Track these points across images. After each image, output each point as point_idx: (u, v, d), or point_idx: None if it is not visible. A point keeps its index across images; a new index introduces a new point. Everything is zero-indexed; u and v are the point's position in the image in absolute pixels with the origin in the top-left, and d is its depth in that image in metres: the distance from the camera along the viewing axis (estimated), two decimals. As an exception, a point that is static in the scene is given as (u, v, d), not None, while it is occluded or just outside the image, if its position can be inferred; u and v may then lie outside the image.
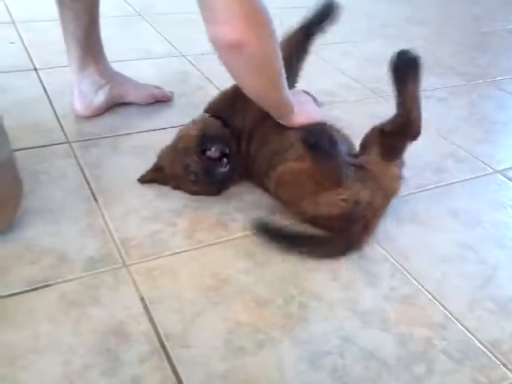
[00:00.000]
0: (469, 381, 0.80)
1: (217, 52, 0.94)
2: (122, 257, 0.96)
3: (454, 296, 0.94)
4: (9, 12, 1.98)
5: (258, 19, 0.90)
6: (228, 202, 1.11)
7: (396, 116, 1.05)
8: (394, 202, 1.14)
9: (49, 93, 1.46)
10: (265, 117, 1.09)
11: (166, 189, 1.13)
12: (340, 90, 1.64)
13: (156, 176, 1.13)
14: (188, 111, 1.40)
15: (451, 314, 0.90)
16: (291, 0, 2.32)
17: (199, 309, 0.87)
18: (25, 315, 0.84)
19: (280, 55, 0.98)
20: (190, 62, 1.72)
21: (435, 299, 0.93)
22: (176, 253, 0.98)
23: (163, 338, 0.82)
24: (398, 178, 1.05)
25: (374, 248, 1.03)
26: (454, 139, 1.42)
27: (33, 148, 1.23)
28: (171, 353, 0.80)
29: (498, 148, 1.43)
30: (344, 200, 0.97)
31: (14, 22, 1.90)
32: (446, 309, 0.91)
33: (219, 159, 1.06)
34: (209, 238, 1.01)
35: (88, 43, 1.31)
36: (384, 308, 0.90)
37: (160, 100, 1.47)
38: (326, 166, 0.98)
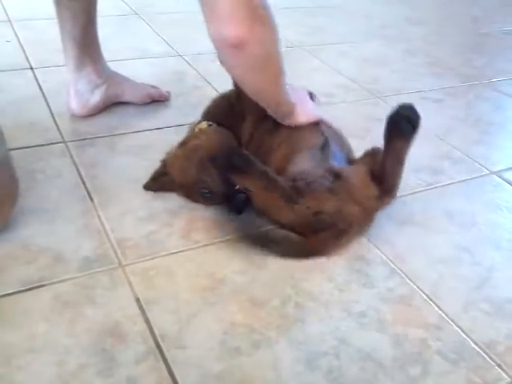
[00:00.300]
0: (464, 382, 0.80)
1: (218, 51, 0.93)
2: (117, 257, 0.96)
3: (449, 297, 0.94)
4: (5, 10, 1.98)
5: (260, 17, 0.90)
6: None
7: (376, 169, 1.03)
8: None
9: (45, 92, 1.46)
10: (263, 119, 1.09)
11: (162, 189, 1.13)
12: (337, 90, 1.64)
13: (161, 183, 1.11)
14: (185, 111, 1.40)
15: (447, 315, 0.91)
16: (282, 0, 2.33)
17: (195, 309, 0.87)
18: (20, 315, 0.84)
19: (281, 53, 0.98)
20: (187, 61, 1.72)
21: (431, 300, 0.93)
22: (172, 253, 0.98)
23: (159, 339, 0.82)
24: (375, 198, 1.02)
25: (370, 249, 1.03)
26: (450, 140, 1.42)
27: (29, 147, 1.23)
28: (167, 353, 0.80)
29: (493, 149, 1.43)
30: (308, 208, 0.97)
31: (10, 21, 1.90)
32: (441, 310, 0.92)
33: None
34: (205, 239, 1.01)
35: (85, 42, 1.30)
36: (380, 309, 0.91)
37: (157, 100, 1.46)
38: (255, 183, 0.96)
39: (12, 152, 1.06)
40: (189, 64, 1.70)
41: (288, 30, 2.02)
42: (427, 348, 0.85)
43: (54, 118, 1.35)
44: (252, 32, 0.88)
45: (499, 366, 0.83)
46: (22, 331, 0.81)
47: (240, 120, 1.15)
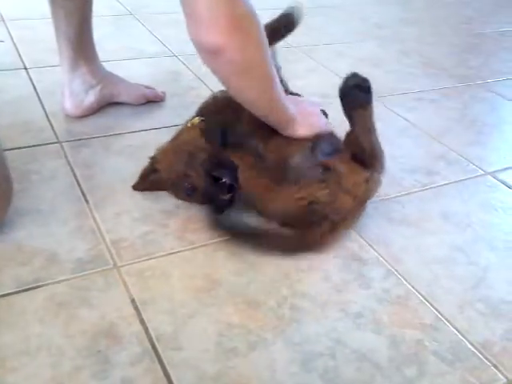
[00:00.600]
0: (460, 382, 0.80)
1: (198, 53, 0.93)
2: (112, 258, 0.95)
3: (445, 297, 0.94)
4: (-1, 10, 1.97)
5: (242, 25, 0.88)
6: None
7: (349, 146, 1.04)
8: (385, 204, 1.15)
9: (39, 92, 1.45)
10: (259, 122, 1.08)
11: (157, 189, 1.12)
12: (333, 91, 1.63)
13: (150, 182, 1.10)
14: (180, 111, 1.40)
15: (442, 316, 0.91)
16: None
17: (191, 310, 0.87)
18: (15, 316, 0.83)
19: (269, 61, 0.96)
20: (182, 62, 1.71)
21: (427, 301, 0.93)
22: (167, 254, 0.97)
23: (154, 340, 0.81)
24: (366, 181, 1.02)
25: (366, 249, 1.03)
26: (445, 141, 1.42)
27: (23, 148, 1.22)
28: (162, 355, 0.79)
29: (488, 150, 1.43)
30: (300, 199, 0.97)
31: (3, 20, 1.89)
32: (437, 310, 0.92)
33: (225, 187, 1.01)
34: (201, 239, 1.01)
35: (80, 43, 1.30)
36: (376, 309, 0.91)
37: (152, 100, 1.46)
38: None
39: (6, 152, 1.05)
40: (184, 64, 1.70)
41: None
42: (423, 349, 0.85)
43: (48, 118, 1.35)
44: (230, 40, 0.87)
45: (495, 366, 0.83)
46: (16, 332, 0.81)
47: (236, 118, 1.14)
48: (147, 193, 1.11)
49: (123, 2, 2.21)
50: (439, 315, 0.91)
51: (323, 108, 1.20)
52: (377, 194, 1.09)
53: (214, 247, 1.00)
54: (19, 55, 1.65)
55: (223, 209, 1.02)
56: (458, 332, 0.88)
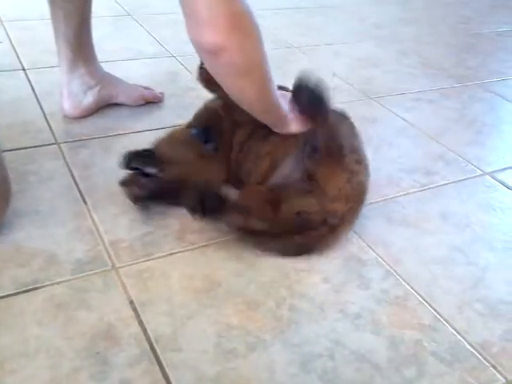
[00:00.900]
0: (459, 383, 0.80)
1: (197, 53, 0.93)
2: (111, 259, 0.95)
3: (443, 298, 0.94)
4: (-3, 11, 1.97)
5: (241, 24, 0.87)
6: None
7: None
8: (383, 204, 1.16)
9: (37, 93, 1.45)
10: (255, 128, 1.08)
11: (156, 190, 1.12)
12: (331, 91, 1.64)
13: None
14: (178, 112, 1.40)
15: (441, 316, 0.91)
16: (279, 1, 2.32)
17: (190, 311, 0.87)
18: (13, 318, 0.83)
19: (267, 61, 0.96)
20: (181, 62, 1.71)
21: (425, 301, 0.93)
22: (166, 255, 0.97)
23: (153, 341, 0.81)
24: (348, 181, 1.00)
25: (365, 250, 1.03)
26: (444, 141, 1.43)
27: (21, 149, 1.22)
28: (161, 356, 0.79)
29: (487, 150, 1.43)
30: (287, 209, 0.97)
31: (1, 21, 1.89)
32: (436, 311, 0.92)
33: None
34: (200, 240, 1.01)
35: (79, 44, 1.30)
36: (375, 310, 0.91)
37: (150, 101, 1.46)
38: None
39: (4, 153, 1.05)
40: (182, 65, 1.70)
41: (285, 31, 2.02)
42: (422, 349, 0.85)
43: (46, 119, 1.34)
44: (230, 40, 0.86)
45: (494, 366, 0.83)
46: (14, 334, 0.81)
47: (230, 127, 1.13)
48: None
49: (122, 2, 2.21)
50: (438, 316, 0.91)
51: None
52: (369, 191, 1.07)
53: (213, 248, 1.00)
54: (17, 56, 1.65)
55: (143, 198, 1.06)
56: (457, 332, 0.88)
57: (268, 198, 0.99)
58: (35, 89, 1.47)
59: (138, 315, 0.85)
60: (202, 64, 1.12)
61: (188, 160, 1.10)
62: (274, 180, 1.03)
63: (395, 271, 0.99)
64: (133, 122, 1.37)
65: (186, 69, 1.67)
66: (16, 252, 0.95)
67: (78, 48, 1.30)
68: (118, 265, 0.94)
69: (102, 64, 1.40)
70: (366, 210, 1.11)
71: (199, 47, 0.90)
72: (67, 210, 1.05)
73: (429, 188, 1.24)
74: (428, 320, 0.90)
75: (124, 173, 1.12)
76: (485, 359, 0.84)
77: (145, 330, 0.83)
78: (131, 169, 1.05)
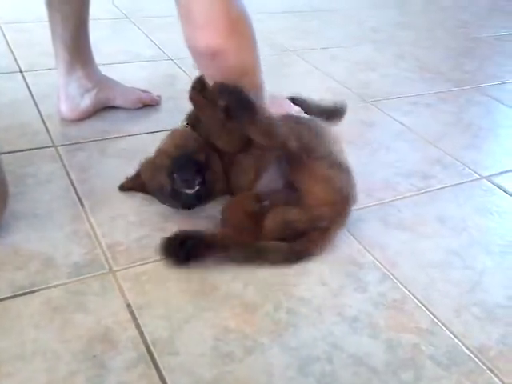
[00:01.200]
0: (456, 387, 0.81)
1: (192, 57, 0.92)
2: (108, 262, 0.95)
3: (441, 301, 0.94)
4: (-6, 13, 1.97)
5: (238, 27, 0.87)
6: (216, 206, 1.10)
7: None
8: (381, 208, 1.16)
9: (34, 95, 1.45)
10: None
11: (153, 193, 1.12)
12: (327, 94, 1.65)
13: (135, 185, 1.11)
14: (175, 115, 1.39)
15: (438, 320, 0.91)
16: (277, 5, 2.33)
17: (187, 315, 0.87)
18: (10, 321, 0.83)
19: (260, 67, 0.95)
20: (178, 65, 1.71)
21: (423, 305, 0.93)
22: (163, 258, 0.97)
23: (150, 345, 0.81)
24: (327, 181, 1.00)
25: (362, 253, 1.03)
26: (441, 145, 1.43)
27: (19, 151, 1.22)
28: (158, 360, 0.79)
29: (484, 154, 1.44)
30: (273, 218, 0.98)
31: (-1, 23, 1.89)
32: (433, 314, 0.92)
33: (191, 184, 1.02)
34: (197, 243, 1.01)
35: (76, 46, 1.30)
36: (372, 313, 0.91)
37: (147, 104, 1.46)
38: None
39: (2, 156, 1.05)
40: (180, 68, 1.70)
41: (281, 34, 2.02)
42: (419, 353, 0.85)
43: (44, 121, 1.34)
44: (227, 43, 0.86)
45: (491, 370, 0.83)
46: (11, 337, 0.80)
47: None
48: (143, 197, 1.11)
49: (119, 5, 2.21)
50: (435, 319, 0.91)
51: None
52: (363, 192, 1.06)
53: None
54: (15, 58, 1.65)
55: (190, 205, 1.05)
56: (454, 336, 0.88)
57: (251, 212, 0.99)
58: (32, 91, 1.47)
59: (135, 318, 0.85)
60: (194, 85, 1.11)
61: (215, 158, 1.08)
62: (258, 191, 1.03)
63: (392, 275, 0.99)
64: (130, 125, 1.37)
65: (184, 72, 1.67)
66: (13, 255, 0.94)
67: (75, 50, 1.30)
68: (115, 268, 0.94)
69: (99, 67, 1.40)
70: (362, 214, 1.11)
71: (195, 50, 0.89)
72: (65, 213, 1.05)
73: (426, 192, 1.24)
74: (425, 324, 0.90)
75: (122, 177, 1.12)
76: (482, 363, 0.84)
77: (142, 334, 0.83)
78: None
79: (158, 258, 0.97)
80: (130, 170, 1.13)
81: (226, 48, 0.86)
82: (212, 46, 0.86)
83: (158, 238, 1.01)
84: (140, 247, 0.99)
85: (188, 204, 1.04)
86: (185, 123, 1.16)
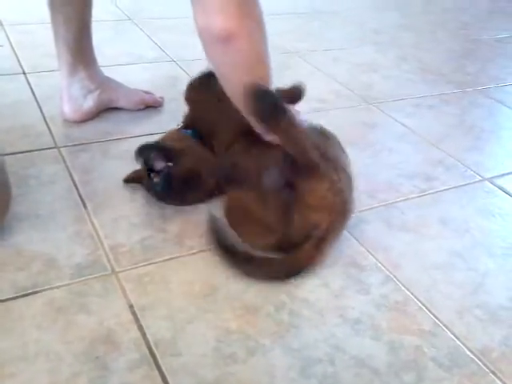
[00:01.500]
0: (458, 389, 0.81)
1: (205, 46, 0.91)
2: (110, 263, 0.95)
3: (443, 303, 0.94)
4: (-3, 15, 1.97)
5: (250, 12, 0.87)
6: (217, 209, 1.10)
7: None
8: (383, 209, 1.16)
9: (37, 97, 1.45)
10: (242, 132, 1.07)
11: (156, 195, 1.12)
12: (330, 96, 1.65)
13: (137, 178, 1.13)
14: (178, 116, 1.39)
15: (441, 322, 0.91)
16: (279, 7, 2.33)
17: (189, 316, 0.87)
18: (13, 322, 0.83)
19: (269, 54, 0.95)
20: (181, 67, 1.71)
21: (425, 307, 0.93)
22: (166, 259, 0.97)
23: (153, 346, 0.81)
24: (329, 190, 0.96)
25: (365, 255, 1.03)
26: (444, 147, 1.43)
27: (22, 152, 1.22)
28: (161, 361, 0.79)
29: (486, 156, 1.44)
30: (272, 227, 0.96)
31: (2, 25, 1.89)
32: (435, 316, 0.92)
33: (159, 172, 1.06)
34: (199, 245, 1.01)
35: (79, 48, 1.30)
36: (375, 315, 0.90)
37: (150, 105, 1.46)
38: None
39: (5, 157, 1.05)
40: (182, 69, 1.70)
41: (284, 36, 2.03)
42: (422, 355, 0.85)
43: (46, 123, 1.34)
44: (241, 26, 0.86)
45: (493, 372, 0.83)
46: (14, 338, 0.80)
47: (217, 129, 1.13)
48: (145, 198, 1.11)
49: (122, 7, 2.22)
50: (437, 321, 0.91)
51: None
52: (361, 199, 1.06)
53: (213, 253, 0.99)
54: (18, 60, 1.65)
55: (160, 194, 1.08)
56: (457, 338, 0.88)
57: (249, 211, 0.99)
58: (35, 92, 1.47)
59: (137, 320, 0.85)
60: (191, 83, 1.12)
61: (199, 151, 1.11)
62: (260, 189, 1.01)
63: (395, 276, 0.99)
64: (133, 127, 1.37)
65: (186, 73, 1.67)
66: (16, 255, 0.95)
67: (78, 52, 1.31)
68: (117, 269, 0.94)
69: (102, 68, 1.40)
70: (365, 215, 1.12)
71: (208, 34, 0.88)
72: (67, 214, 1.05)
73: (428, 193, 1.24)
74: (428, 325, 0.90)
75: (125, 174, 1.13)
76: (484, 365, 0.84)
77: (144, 335, 0.83)
78: (144, 162, 1.07)
79: (160, 259, 0.97)
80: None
81: (238, 32, 0.86)
82: (225, 28, 0.85)
83: (160, 239, 1.01)
84: (142, 248, 0.99)
85: (156, 192, 1.08)
86: (181, 124, 1.17)
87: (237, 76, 0.95)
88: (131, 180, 1.14)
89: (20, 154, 1.22)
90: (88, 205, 1.08)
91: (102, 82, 1.37)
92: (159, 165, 1.06)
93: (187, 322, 0.86)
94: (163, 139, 1.15)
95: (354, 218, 1.05)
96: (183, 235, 1.03)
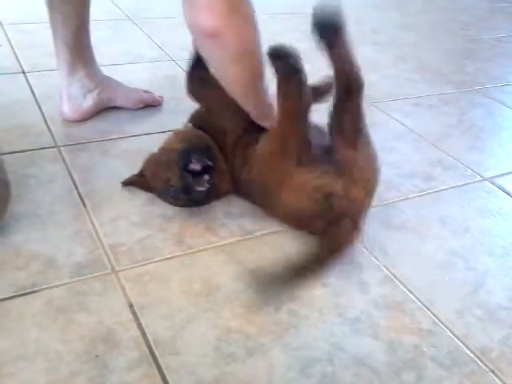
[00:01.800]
0: (458, 388, 0.81)
1: (195, 38, 0.93)
2: (110, 262, 0.95)
3: (443, 303, 0.94)
4: (-3, 14, 1.97)
5: (239, 9, 0.88)
6: (218, 207, 1.11)
7: (334, 78, 1.05)
8: (383, 209, 1.16)
9: (37, 96, 1.45)
10: (248, 128, 1.07)
11: (155, 194, 1.12)
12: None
13: (139, 182, 1.12)
14: (177, 116, 1.39)
15: (440, 321, 0.91)
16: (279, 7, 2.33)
17: (189, 315, 0.87)
18: (12, 321, 0.83)
19: (261, 51, 0.96)
20: (180, 66, 1.71)
21: (424, 306, 0.93)
22: (166, 259, 0.97)
23: (152, 345, 0.81)
24: (370, 163, 0.98)
25: (364, 255, 1.03)
26: (443, 146, 1.43)
27: (21, 152, 1.22)
28: (160, 360, 0.79)
29: (486, 155, 1.44)
30: (315, 190, 0.95)
31: (1, 24, 1.89)
32: (435, 315, 0.92)
33: (201, 174, 1.01)
34: (199, 244, 1.01)
35: (77, 47, 1.30)
36: (374, 314, 0.90)
37: (149, 104, 1.46)
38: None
39: (4, 156, 1.05)
40: (181, 68, 1.70)
41: (283, 36, 2.02)
42: (421, 354, 0.85)
43: (46, 122, 1.34)
44: (229, 24, 0.87)
45: (493, 371, 0.83)
46: (13, 337, 0.80)
47: (223, 127, 1.12)
48: (145, 197, 1.11)
49: (121, 6, 2.22)
50: (437, 320, 0.91)
51: None
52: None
53: (212, 252, 1.00)
54: (17, 59, 1.65)
55: (197, 203, 1.06)
56: (456, 337, 0.88)
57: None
58: (35, 92, 1.47)
59: (137, 319, 0.85)
60: (189, 72, 1.12)
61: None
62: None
63: (394, 276, 0.99)
64: (132, 126, 1.37)
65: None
66: (15, 255, 0.94)
67: (76, 51, 1.31)
68: (117, 268, 0.94)
69: (101, 68, 1.40)
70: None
71: (196, 30, 0.90)
72: (67, 214, 1.05)
73: (428, 193, 1.24)
74: (427, 325, 0.90)
75: (124, 177, 1.12)
76: (484, 364, 0.84)
77: (144, 334, 0.83)
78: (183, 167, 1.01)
79: (160, 258, 0.97)
80: (132, 170, 1.13)
81: (225, 29, 0.87)
82: (212, 26, 0.87)
83: (159, 238, 1.01)
84: (142, 247, 0.99)
85: (195, 202, 1.05)
86: (188, 124, 1.17)
87: (227, 69, 0.96)
88: (131, 184, 1.13)
89: (19, 154, 1.21)
90: (87, 204, 1.08)
91: (102, 81, 1.37)
92: (198, 166, 1.02)
93: (187, 322, 0.85)
94: (177, 137, 1.11)
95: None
96: (183, 234, 1.03)
